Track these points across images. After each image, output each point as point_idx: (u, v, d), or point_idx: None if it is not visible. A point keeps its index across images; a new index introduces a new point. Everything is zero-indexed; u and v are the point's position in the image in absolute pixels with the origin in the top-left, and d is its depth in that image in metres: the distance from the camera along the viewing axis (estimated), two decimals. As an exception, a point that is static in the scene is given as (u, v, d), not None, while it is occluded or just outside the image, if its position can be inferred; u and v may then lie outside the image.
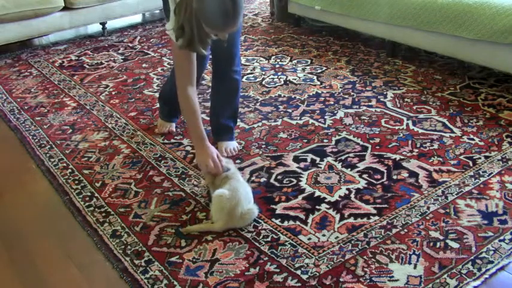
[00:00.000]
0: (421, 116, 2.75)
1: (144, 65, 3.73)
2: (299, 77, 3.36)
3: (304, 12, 4.20)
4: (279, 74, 3.43)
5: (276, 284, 1.71)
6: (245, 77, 3.39)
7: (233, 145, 2.52)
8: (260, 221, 2.02)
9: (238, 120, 2.70)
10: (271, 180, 2.27)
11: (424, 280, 1.69)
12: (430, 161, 2.34)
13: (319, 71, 3.44)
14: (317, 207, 2.08)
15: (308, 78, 3.33)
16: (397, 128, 2.65)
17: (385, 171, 2.29)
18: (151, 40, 4.29)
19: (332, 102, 2.97)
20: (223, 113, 2.52)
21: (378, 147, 2.49)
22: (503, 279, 1.70)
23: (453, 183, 2.17)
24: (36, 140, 2.74)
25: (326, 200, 2.12)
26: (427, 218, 1.98)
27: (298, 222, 1.99)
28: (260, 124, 2.77)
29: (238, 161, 2.40)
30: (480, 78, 3.18)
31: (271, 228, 1.97)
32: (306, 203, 2.11)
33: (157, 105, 2.96)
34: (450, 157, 2.36)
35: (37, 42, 4.40)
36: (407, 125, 2.67)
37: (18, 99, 3.28)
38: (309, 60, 3.63)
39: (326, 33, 4.18)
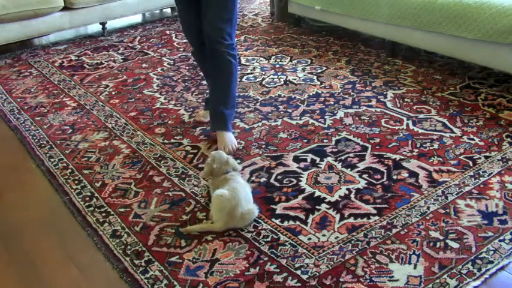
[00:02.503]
0: (421, 116, 2.75)
1: (144, 65, 3.73)
2: (299, 77, 3.36)
3: (304, 12, 4.20)
4: (279, 74, 3.43)
5: (276, 284, 1.71)
6: (245, 77, 3.39)
7: (232, 142, 2.51)
8: (260, 221, 2.02)
9: (238, 120, 2.70)
10: (271, 180, 2.27)
11: (424, 280, 1.69)
12: (430, 161, 2.34)
13: (319, 71, 3.44)
14: (317, 207, 2.08)
15: (308, 78, 3.33)
16: (397, 128, 2.65)
17: (385, 171, 2.29)
18: (151, 40, 4.29)
19: (332, 102, 2.97)
20: (217, 100, 2.53)
21: (378, 147, 2.48)
22: (503, 279, 1.70)
23: (453, 183, 2.17)
24: (36, 140, 2.74)
25: (326, 200, 2.12)
26: (427, 218, 1.98)
27: (298, 222, 1.99)
28: (260, 124, 2.77)
29: (238, 161, 2.39)
30: (480, 78, 3.17)
31: (271, 228, 1.97)
32: (306, 203, 2.10)
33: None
34: (450, 157, 2.36)
35: (37, 42, 4.40)
36: (407, 125, 2.67)
37: (18, 99, 3.28)
38: (309, 60, 3.63)
39: (326, 33, 4.18)
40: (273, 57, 3.73)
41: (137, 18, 4.94)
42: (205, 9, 2.38)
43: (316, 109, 2.90)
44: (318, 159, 2.41)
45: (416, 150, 2.43)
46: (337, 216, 2.01)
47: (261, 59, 3.71)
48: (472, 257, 1.77)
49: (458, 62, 3.34)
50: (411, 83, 3.17)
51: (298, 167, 2.36)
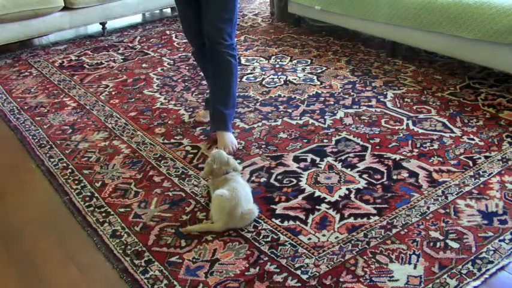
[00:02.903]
0: (421, 116, 2.75)
1: (144, 65, 3.73)
2: (299, 77, 3.36)
3: (304, 12, 4.20)
4: (279, 74, 3.43)
5: (276, 284, 1.71)
6: (245, 77, 3.39)
7: (232, 142, 2.51)
8: (260, 221, 2.02)
9: (238, 120, 2.69)
10: (271, 180, 2.27)
11: (424, 280, 1.69)
12: (430, 161, 2.34)
13: (319, 71, 3.44)
14: (317, 207, 2.08)
15: (308, 78, 3.33)
16: (397, 128, 2.65)
17: (385, 171, 2.29)
18: (151, 40, 4.29)
19: (332, 102, 2.97)
20: (218, 100, 2.53)
21: (378, 147, 2.48)
22: (503, 279, 1.70)
23: (453, 183, 2.17)
24: (36, 140, 2.74)
25: (326, 200, 2.12)
26: (427, 218, 1.98)
27: (298, 222, 1.99)
28: (260, 124, 2.77)
29: (238, 161, 2.39)
30: (480, 78, 3.17)
31: (271, 228, 1.97)
32: (306, 203, 2.10)
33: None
34: (450, 157, 2.36)
35: (37, 42, 4.40)
36: (407, 125, 2.67)
37: (18, 99, 3.28)
38: (309, 60, 3.63)
39: (326, 33, 4.18)
40: (273, 57, 3.73)
41: (137, 18, 4.94)
42: (205, 9, 2.38)
43: (316, 109, 2.90)
44: (318, 159, 2.41)
45: (416, 150, 2.43)
46: (337, 216, 2.01)
47: (261, 59, 3.71)
48: (472, 257, 1.77)
49: (458, 62, 3.34)
50: (411, 83, 3.17)
51: (298, 167, 2.36)
